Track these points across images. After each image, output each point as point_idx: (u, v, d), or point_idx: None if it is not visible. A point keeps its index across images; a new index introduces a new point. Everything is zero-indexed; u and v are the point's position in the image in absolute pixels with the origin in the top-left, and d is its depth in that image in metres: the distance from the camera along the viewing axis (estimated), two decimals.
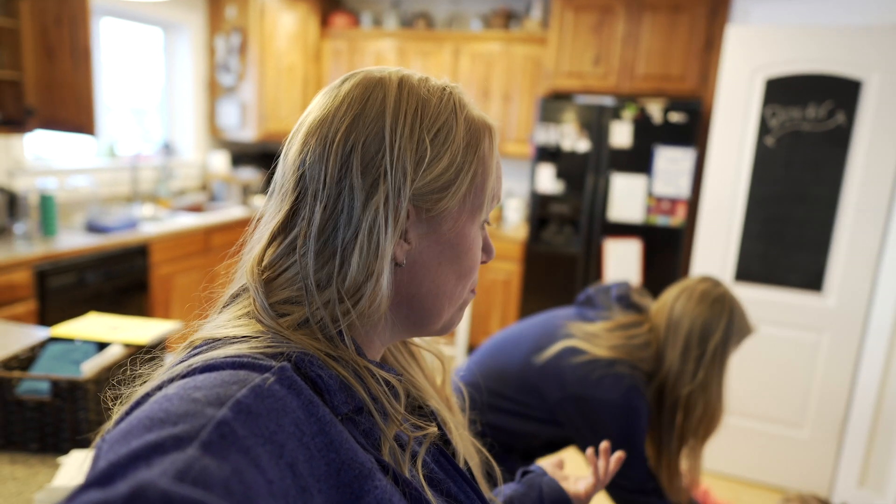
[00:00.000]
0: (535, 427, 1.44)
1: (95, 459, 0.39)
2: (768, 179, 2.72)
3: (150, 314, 3.27)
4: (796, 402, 2.81)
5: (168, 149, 4.10)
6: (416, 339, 0.71)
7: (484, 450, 0.75)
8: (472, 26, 4.28)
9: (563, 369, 1.38)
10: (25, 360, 1.30)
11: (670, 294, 1.43)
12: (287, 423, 0.43)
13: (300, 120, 0.58)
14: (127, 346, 1.35)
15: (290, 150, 0.57)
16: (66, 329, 1.41)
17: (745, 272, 2.81)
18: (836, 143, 2.59)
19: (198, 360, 0.47)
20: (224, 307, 0.58)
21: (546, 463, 0.92)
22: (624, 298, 1.47)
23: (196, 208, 4.05)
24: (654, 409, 1.39)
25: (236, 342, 0.50)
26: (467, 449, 0.70)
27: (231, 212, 4.07)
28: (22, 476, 1.14)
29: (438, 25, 4.47)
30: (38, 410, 1.19)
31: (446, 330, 0.63)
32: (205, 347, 0.50)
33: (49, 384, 1.18)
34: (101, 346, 1.35)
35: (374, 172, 0.53)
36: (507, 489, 0.86)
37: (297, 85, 4.44)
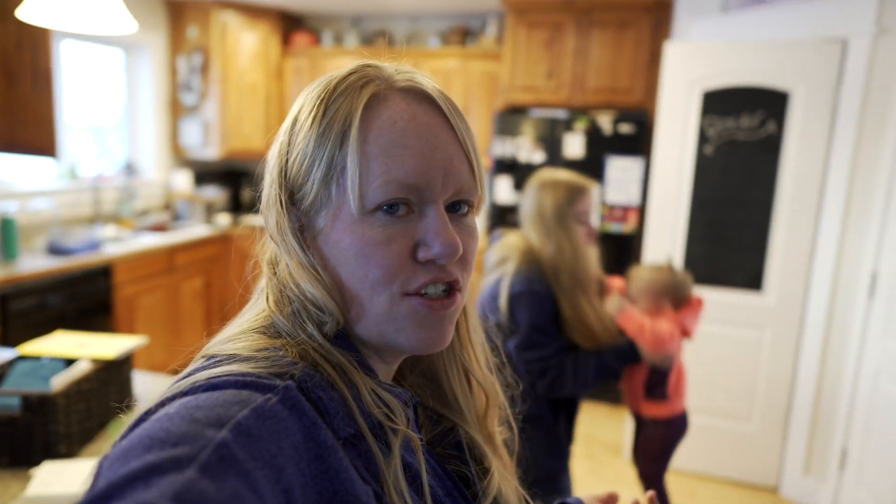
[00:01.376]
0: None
1: (96, 477, 0.39)
2: (709, 185, 2.89)
3: (113, 334, 3.29)
4: (743, 397, 2.96)
5: (130, 169, 4.12)
6: (476, 372, 0.66)
7: (526, 495, 0.70)
8: (431, 43, 4.41)
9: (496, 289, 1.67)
10: None
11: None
12: (287, 447, 0.42)
13: None
14: (94, 361, 1.41)
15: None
16: (33, 347, 1.46)
17: (691, 274, 2.96)
18: (769, 150, 2.77)
19: (202, 378, 0.46)
20: (251, 307, 0.60)
21: (587, 496, 0.78)
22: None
23: (159, 228, 4.07)
24: (557, 285, 1.64)
25: (242, 360, 0.49)
26: (509, 496, 0.66)
27: (195, 231, 4.10)
28: None
29: (398, 43, 4.59)
30: (8, 425, 1.24)
31: (406, 345, 0.55)
32: (212, 362, 0.50)
33: (19, 399, 1.24)
34: (69, 362, 1.40)
35: (268, 173, 0.58)
36: None
37: (260, 103, 4.50)
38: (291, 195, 0.55)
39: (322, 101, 0.54)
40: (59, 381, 1.28)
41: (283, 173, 0.55)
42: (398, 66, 0.57)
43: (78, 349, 1.46)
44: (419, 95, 0.54)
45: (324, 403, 0.48)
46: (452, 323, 0.57)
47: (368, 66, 0.56)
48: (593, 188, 1.71)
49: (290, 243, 0.54)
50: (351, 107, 0.52)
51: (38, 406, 1.24)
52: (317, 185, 0.53)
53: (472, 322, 0.67)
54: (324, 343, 0.53)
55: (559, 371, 1.59)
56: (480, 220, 4.37)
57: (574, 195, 1.65)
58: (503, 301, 1.62)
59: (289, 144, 0.56)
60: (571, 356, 1.62)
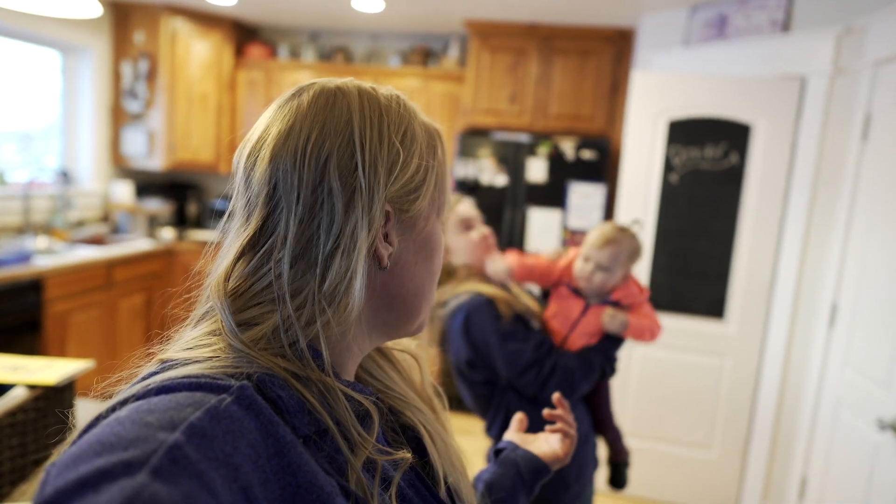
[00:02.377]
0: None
1: (42, 485, 0.37)
2: (673, 214, 2.91)
3: (42, 354, 3.00)
4: (703, 425, 2.97)
5: (65, 177, 3.83)
6: (388, 343, 0.70)
7: (462, 459, 0.73)
8: (391, 62, 4.34)
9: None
10: None
11: None
12: (243, 446, 0.42)
13: (256, 136, 0.57)
14: (32, 387, 1.23)
15: (254, 167, 0.56)
16: None
17: (655, 301, 2.93)
18: (732, 181, 2.82)
19: (154, 381, 0.46)
20: (192, 327, 0.57)
21: (513, 434, 0.93)
22: None
23: (97, 240, 3.79)
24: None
25: (196, 362, 0.49)
26: (449, 461, 0.68)
27: (136, 244, 3.84)
28: None
29: (357, 60, 4.50)
30: None
31: (421, 329, 0.65)
32: (165, 367, 0.49)
33: None
34: (2, 388, 1.22)
35: (350, 178, 0.54)
36: (484, 474, 0.87)
37: (211, 114, 4.30)
38: (390, 195, 0.57)
39: (415, 118, 0.60)
40: None
41: (388, 180, 0.56)
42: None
43: (12, 374, 1.27)
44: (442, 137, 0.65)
45: (283, 402, 0.49)
46: None
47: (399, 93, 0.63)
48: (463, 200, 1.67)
49: (364, 239, 0.54)
50: (434, 128, 0.63)
51: None
52: (430, 193, 0.60)
53: None
54: (285, 359, 0.52)
55: (557, 371, 1.47)
56: None
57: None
58: (458, 337, 1.51)
59: (390, 152, 0.57)
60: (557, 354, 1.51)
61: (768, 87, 2.74)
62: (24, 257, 2.99)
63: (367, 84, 0.60)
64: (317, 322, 0.53)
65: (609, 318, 1.50)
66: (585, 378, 1.48)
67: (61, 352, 3.12)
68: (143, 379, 0.48)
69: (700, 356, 2.93)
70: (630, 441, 2.92)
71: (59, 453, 0.40)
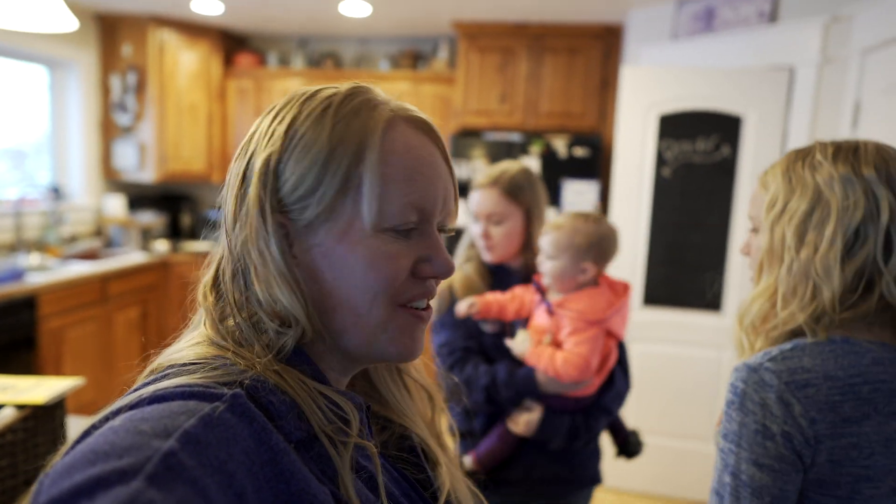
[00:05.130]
0: None
1: (36, 495, 0.37)
2: (667, 208, 2.90)
3: (38, 372, 2.98)
4: (704, 417, 2.96)
5: (57, 193, 3.81)
6: (412, 373, 0.70)
7: (479, 493, 0.72)
8: (381, 66, 4.33)
9: None
10: None
11: None
12: (237, 453, 0.42)
13: None
14: (21, 407, 1.22)
15: None
16: None
17: (653, 296, 2.96)
18: (724, 173, 2.81)
19: (148, 391, 0.46)
20: (185, 336, 0.59)
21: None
22: None
23: (90, 255, 3.77)
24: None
25: (189, 371, 0.49)
26: (461, 490, 0.67)
27: (130, 257, 3.82)
28: None
29: (347, 65, 4.49)
30: None
31: (394, 354, 0.58)
32: (158, 376, 0.49)
33: None
34: None
35: (244, 184, 0.55)
36: None
37: (201, 124, 4.29)
38: (280, 203, 0.54)
39: (330, 115, 0.54)
40: None
41: (275, 185, 0.54)
42: (386, 94, 0.60)
43: (0, 393, 1.26)
44: (423, 125, 0.59)
45: (275, 407, 0.49)
46: (424, 333, 0.60)
47: (364, 88, 0.58)
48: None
49: (270, 251, 0.53)
50: (366, 126, 0.54)
51: None
52: (327, 199, 0.53)
53: None
54: (269, 360, 0.52)
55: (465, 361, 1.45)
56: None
57: None
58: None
59: (282, 152, 0.54)
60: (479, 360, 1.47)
61: (757, 78, 2.73)
62: (17, 275, 2.97)
63: (330, 86, 0.57)
64: (267, 329, 0.54)
65: (512, 341, 1.41)
66: (479, 395, 1.40)
67: (57, 368, 3.11)
68: (136, 389, 0.48)
69: (698, 349, 2.92)
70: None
71: (52, 464, 0.40)
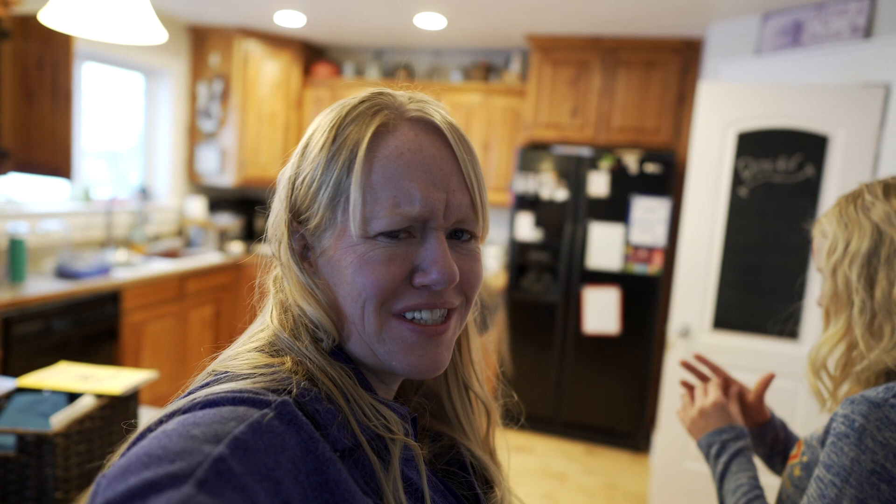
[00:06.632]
0: None
1: (93, 496, 0.39)
2: (743, 229, 2.78)
3: (119, 363, 3.17)
4: None
5: (144, 193, 4.06)
6: (475, 386, 0.68)
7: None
8: (453, 78, 4.38)
9: None
10: None
11: None
12: (284, 461, 0.43)
13: None
14: (99, 397, 1.30)
15: None
16: (34, 379, 1.35)
17: (723, 320, 2.83)
18: (806, 194, 2.67)
19: (200, 395, 0.47)
20: (244, 341, 0.60)
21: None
22: None
23: (171, 254, 3.99)
24: None
25: (241, 377, 0.50)
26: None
27: (207, 258, 4.01)
28: None
29: (420, 77, 4.56)
30: (1, 467, 1.12)
31: (398, 369, 0.56)
32: (211, 381, 0.51)
33: (15, 438, 1.12)
34: (72, 397, 1.29)
35: (277, 194, 0.61)
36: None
37: (279, 132, 4.46)
38: (297, 215, 0.57)
39: (333, 126, 0.56)
40: (60, 420, 1.16)
41: (291, 194, 0.57)
42: (412, 95, 0.59)
43: (82, 383, 1.34)
44: (427, 126, 0.56)
45: (321, 415, 0.49)
46: (448, 348, 0.58)
47: (381, 94, 0.58)
48: None
49: (290, 261, 0.57)
50: (359, 135, 0.54)
51: (34, 447, 1.12)
52: (323, 208, 0.55)
53: (474, 342, 0.70)
54: (319, 358, 0.54)
55: None
56: (500, 257, 4.28)
57: None
58: None
59: (298, 167, 0.58)
60: None
61: (848, 95, 2.58)
62: (105, 270, 3.17)
63: (355, 96, 0.59)
64: (302, 336, 0.56)
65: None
66: None
67: (136, 360, 3.29)
68: (190, 392, 0.49)
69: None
70: (696, 466, 2.79)
71: (110, 464, 0.42)
